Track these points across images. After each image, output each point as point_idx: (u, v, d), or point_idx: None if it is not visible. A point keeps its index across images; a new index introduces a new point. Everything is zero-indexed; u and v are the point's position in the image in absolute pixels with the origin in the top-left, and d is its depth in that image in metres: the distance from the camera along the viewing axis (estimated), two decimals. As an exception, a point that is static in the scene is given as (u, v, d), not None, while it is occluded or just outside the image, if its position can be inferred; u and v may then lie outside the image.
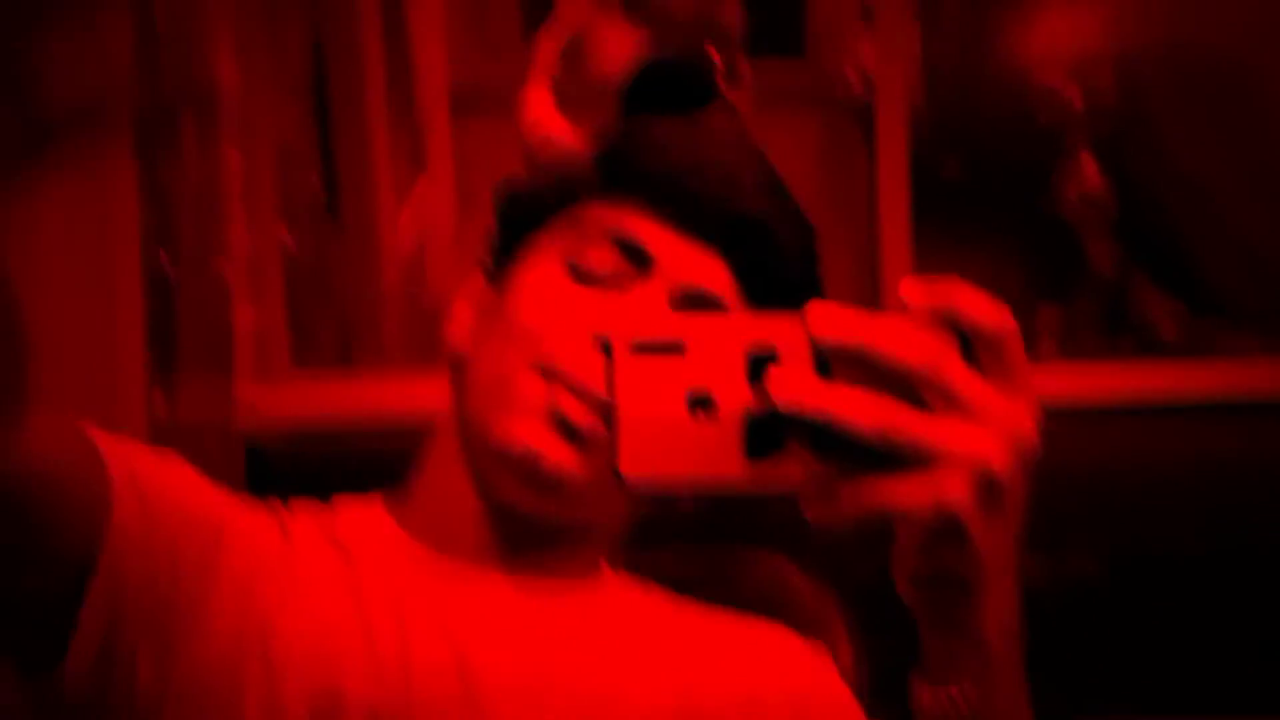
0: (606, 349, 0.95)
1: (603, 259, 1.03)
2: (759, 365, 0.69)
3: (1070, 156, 3.00)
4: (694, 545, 1.41)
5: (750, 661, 1.10)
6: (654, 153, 1.05)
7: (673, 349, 0.69)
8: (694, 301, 1.02)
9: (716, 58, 3.05)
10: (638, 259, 1.03)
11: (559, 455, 1.00)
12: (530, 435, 1.00)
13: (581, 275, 1.03)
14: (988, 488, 0.68)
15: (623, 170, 1.05)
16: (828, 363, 0.69)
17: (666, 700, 1.05)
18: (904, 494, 0.68)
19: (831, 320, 0.68)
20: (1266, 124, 2.93)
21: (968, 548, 0.70)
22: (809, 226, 1.11)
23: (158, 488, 0.98)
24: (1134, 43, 3.01)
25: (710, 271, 1.03)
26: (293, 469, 2.30)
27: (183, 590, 0.98)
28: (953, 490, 0.68)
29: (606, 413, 0.98)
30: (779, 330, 0.69)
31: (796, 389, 0.68)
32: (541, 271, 1.05)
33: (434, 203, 3.34)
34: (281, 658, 0.98)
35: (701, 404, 0.69)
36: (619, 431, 0.69)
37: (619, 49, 3.40)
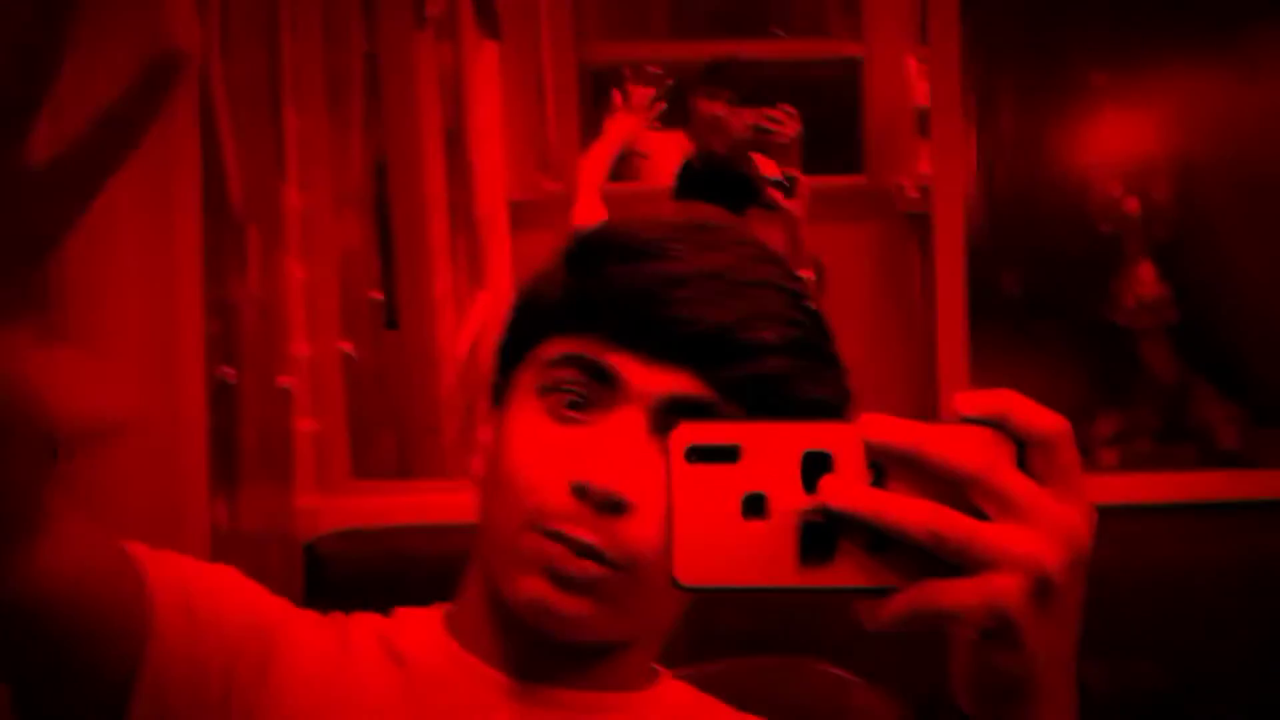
0: (627, 497, 0.97)
1: (573, 385, 1.01)
2: (813, 470, 0.69)
3: (1128, 263, 3.01)
4: (751, 659, 1.41)
5: None
6: (606, 280, 1.04)
7: (728, 454, 0.70)
8: (677, 410, 1.00)
9: (775, 169, 3.09)
10: (606, 381, 1.02)
11: (564, 605, 1.00)
12: (534, 589, 1.00)
13: (557, 410, 1.03)
14: (1042, 589, 0.68)
15: (581, 299, 1.05)
16: (882, 469, 0.70)
17: None
18: (957, 596, 0.68)
19: (885, 427, 0.69)
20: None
21: (1022, 650, 0.69)
22: (798, 312, 1.05)
23: (209, 603, 0.99)
24: (1191, 148, 3.02)
25: (684, 383, 1.00)
26: (352, 577, 2.31)
27: (235, 701, 0.99)
28: (1005, 592, 0.68)
29: (597, 558, 1.00)
30: (833, 436, 0.70)
31: (850, 494, 0.68)
32: (520, 414, 1.04)
33: (492, 314, 3.37)
34: None
35: (756, 509, 0.69)
36: (674, 538, 0.69)
37: (667, 159, 3.44)
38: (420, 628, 1.10)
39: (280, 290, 2.36)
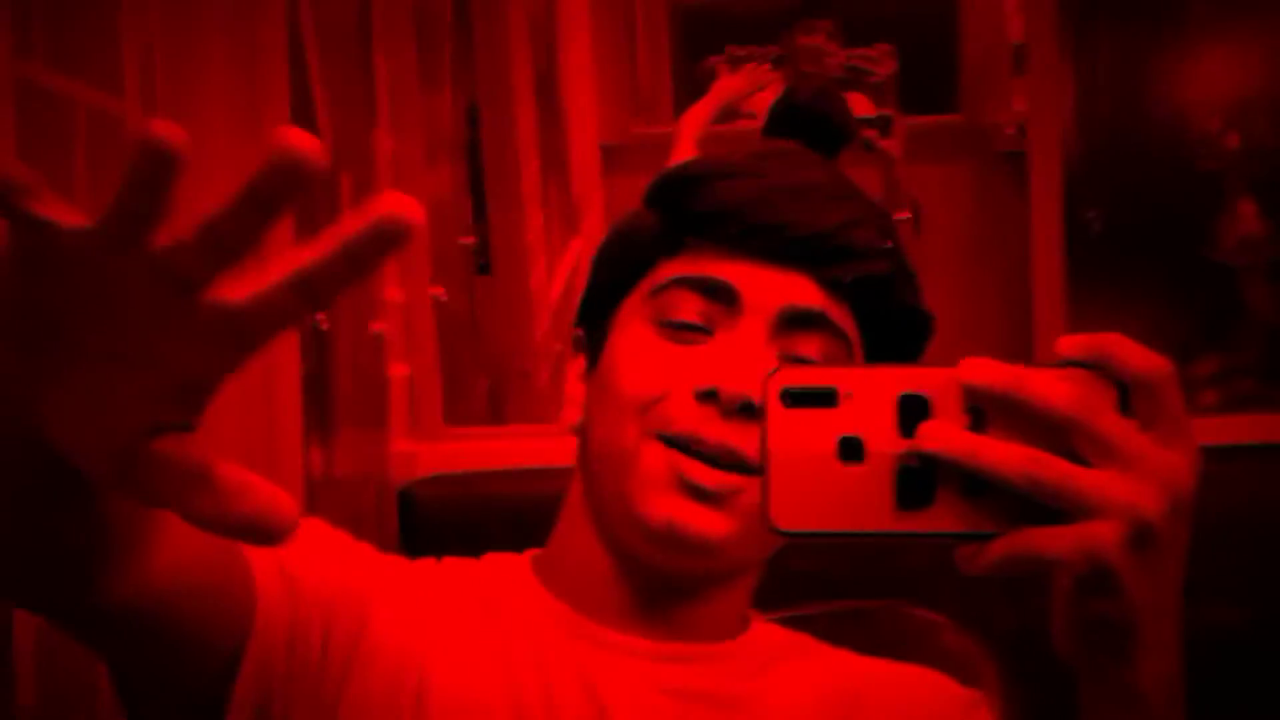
0: (759, 401, 0.95)
1: (688, 308, 1.02)
2: (911, 415, 0.69)
3: (1229, 200, 2.95)
4: (838, 602, 1.40)
5: (909, 708, 1.08)
6: (710, 194, 1.04)
7: (824, 398, 0.69)
8: (794, 320, 1.01)
9: (870, 107, 3.06)
10: (724, 297, 1.02)
11: (700, 521, 0.99)
12: (667, 507, 0.99)
13: (672, 331, 1.02)
14: (1141, 537, 0.67)
15: (685, 219, 1.05)
16: (982, 415, 0.69)
17: None
18: (1056, 544, 0.67)
19: (983, 370, 0.68)
20: None
21: (1122, 598, 0.68)
22: (889, 227, 1.07)
23: (303, 566, 0.99)
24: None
25: (800, 288, 1.02)
26: (446, 522, 2.33)
27: (334, 660, 0.99)
28: (1104, 539, 0.67)
29: (735, 464, 0.99)
30: (931, 380, 0.69)
31: (947, 438, 0.67)
32: (633, 337, 1.04)
33: (586, 259, 3.37)
34: (434, 714, 0.99)
35: (853, 453, 0.68)
36: (770, 481, 0.69)
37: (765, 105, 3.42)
38: (510, 574, 1.11)
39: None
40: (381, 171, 2.44)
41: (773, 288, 1.01)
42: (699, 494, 0.99)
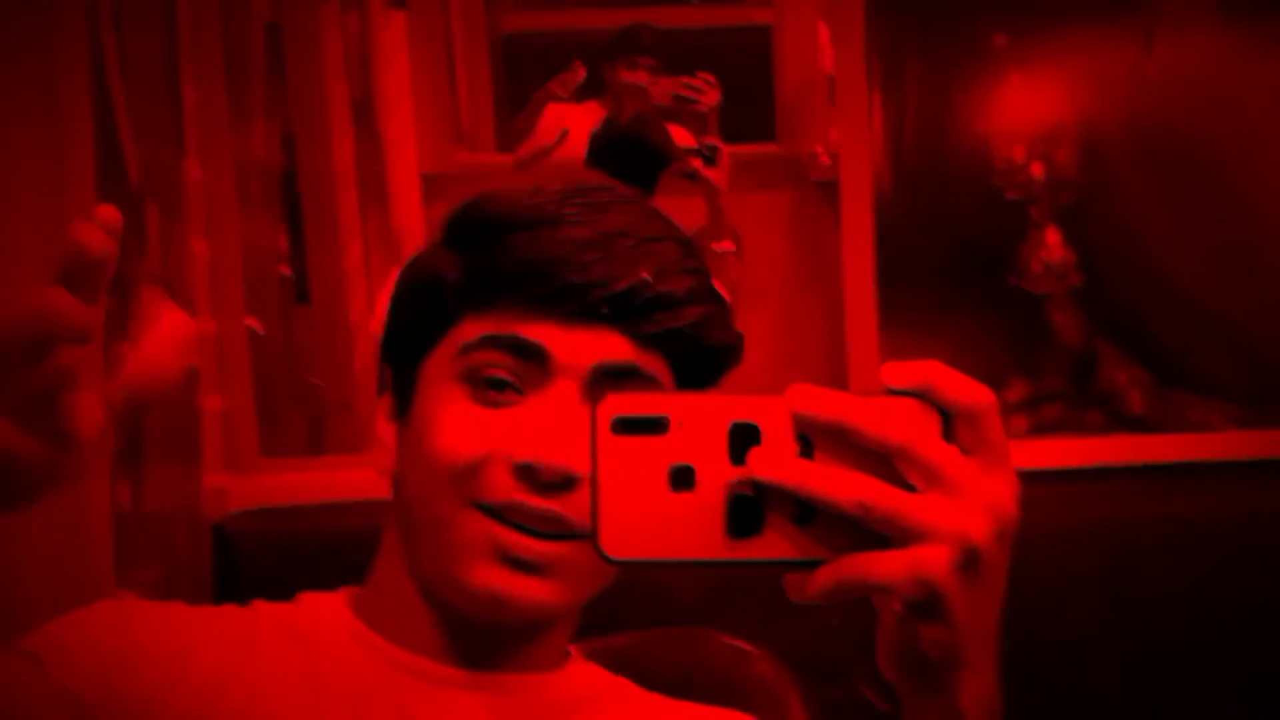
0: (577, 471, 0.96)
1: (499, 367, 1.01)
2: (741, 443, 0.69)
3: (1034, 228, 3.03)
4: (651, 631, 1.40)
5: None
6: (511, 249, 1.02)
7: (655, 426, 0.68)
8: (606, 376, 1.00)
9: (691, 138, 3.07)
10: (534, 358, 1.01)
11: (523, 590, 0.99)
12: (488, 578, 0.99)
13: (483, 393, 1.02)
14: (968, 560, 0.68)
15: (487, 276, 1.03)
16: (810, 442, 0.69)
17: None
18: (884, 568, 0.68)
19: (812, 399, 0.69)
20: (1226, 195, 2.96)
21: (948, 621, 0.69)
22: (697, 264, 1.06)
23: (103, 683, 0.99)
24: (1095, 115, 3.04)
25: (610, 345, 1.01)
26: (262, 556, 2.29)
27: None
28: (933, 563, 0.67)
29: (559, 533, 0.98)
30: (761, 408, 0.69)
31: (777, 466, 0.68)
32: (444, 398, 1.02)
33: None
34: None
35: (684, 481, 0.68)
36: (601, 510, 0.68)
37: (584, 132, 3.42)
38: (325, 612, 1.09)
39: (182, 267, 2.32)
40: (190, 201, 2.39)
41: (582, 347, 1.00)
42: (521, 565, 0.98)
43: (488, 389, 1.01)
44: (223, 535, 2.32)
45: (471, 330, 1.02)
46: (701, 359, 1.05)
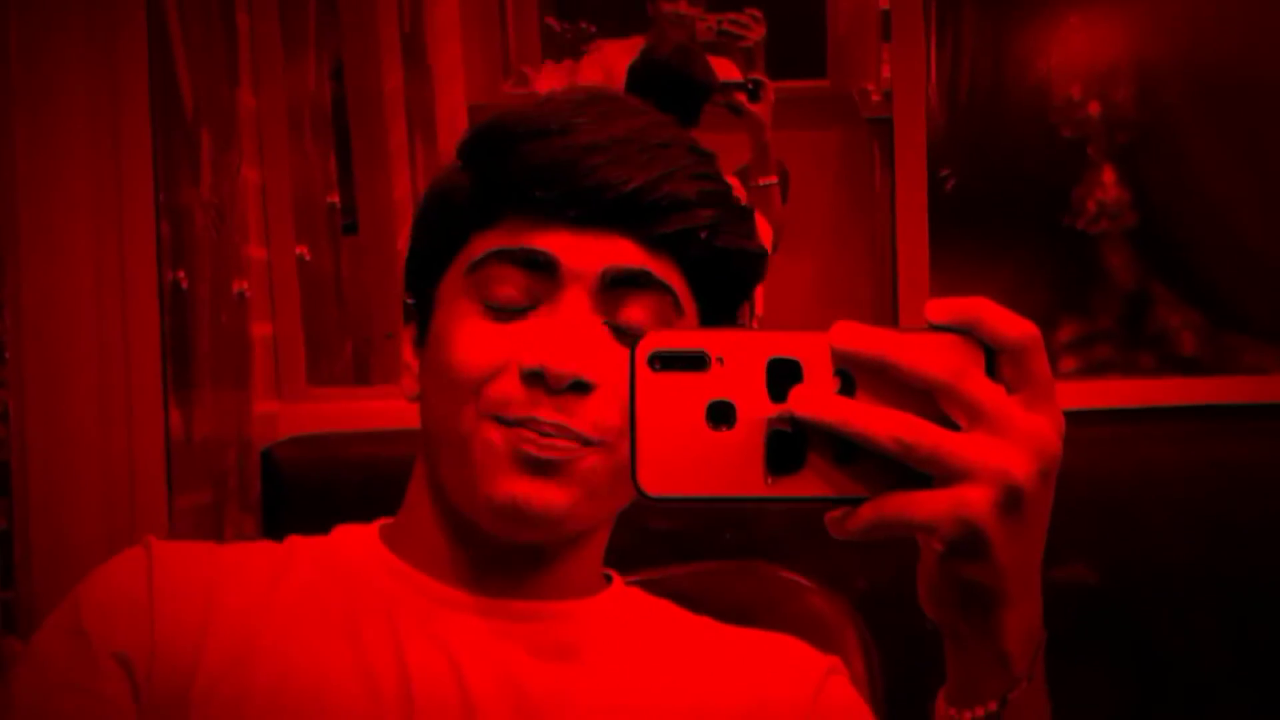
0: (587, 377, 0.96)
1: (509, 283, 1.01)
2: (781, 379, 0.68)
3: (1090, 168, 3.00)
4: (701, 563, 1.41)
5: (763, 675, 1.09)
6: (518, 158, 1.01)
7: (694, 362, 0.68)
8: (616, 282, 1.00)
9: (738, 73, 3.06)
10: (543, 269, 1.00)
11: (543, 495, 0.99)
12: (509, 485, 0.98)
13: (496, 310, 1.01)
14: (1010, 500, 0.67)
15: (496, 188, 1.02)
16: (852, 379, 0.69)
17: (676, 717, 1.04)
18: (926, 508, 0.67)
19: (854, 335, 0.68)
20: (1283, 135, 2.93)
21: (991, 560, 0.69)
22: (711, 169, 1.05)
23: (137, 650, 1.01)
24: (1154, 54, 3.01)
25: (620, 249, 1.00)
26: (309, 482, 2.31)
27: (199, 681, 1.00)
28: (975, 503, 0.67)
29: (568, 433, 0.98)
30: (801, 344, 0.68)
31: (819, 403, 0.67)
32: (458, 315, 1.02)
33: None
34: (287, 699, 0.99)
35: (723, 418, 0.68)
36: (639, 446, 0.68)
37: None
38: (358, 544, 1.09)
39: (234, 195, 2.33)
40: (243, 129, 2.39)
41: (592, 252, 1.00)
42: (537, 466, 0.98)
43: (500, 303, 1.01)
44: (271, 461, 2.34)
45: (480, 246, 1.02)
46: (717, 265, 1.04)
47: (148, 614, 1.01)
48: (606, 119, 1.02)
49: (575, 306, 1.00)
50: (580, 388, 0.98)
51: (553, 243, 1.00)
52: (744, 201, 1.09)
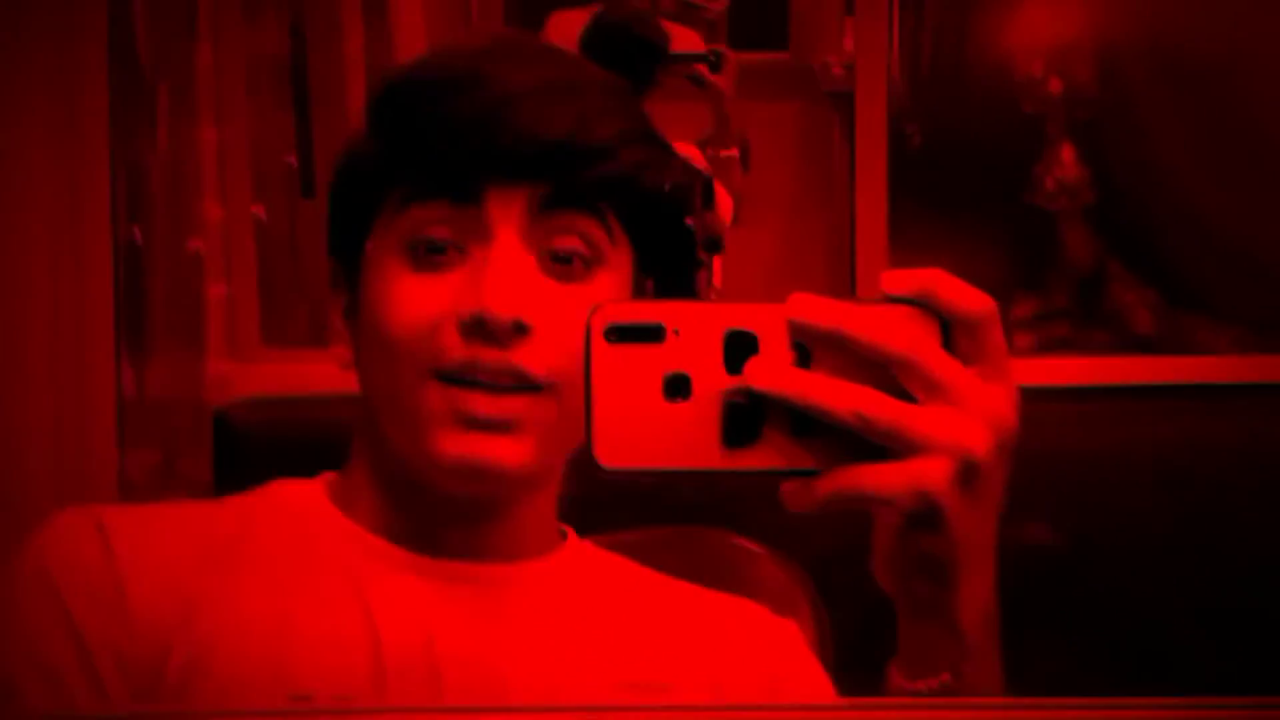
0: (528, 321, 0.95)
1: (435, 223, 0.99)
2: (737, 351, 0.68)
3: (1049, 145, 3.01)
4: (657, 529, 1.41)
5: (721, 638, 1.09)
6: (430, 118, 0.99)
7: (650, 334, 0.68)
8: (545, 206, 0.99)
9: (700, 43, 3.05)
10: (468, 198, 0.98)
11: (493, 451, 0.98)
12: (457, 445, 0.98)
13: (424, 257, 0.99)
14: (967, 473, 0.68)
15: (408, 151, 1.00)
16: (808, 352, 0.68)
17: (630, 678, 1.04)
18: (883, 480, 0.67)
19: (811, 307, 0.68)
20: (1244, 117, 2.94)
21: (947, 533, 0.69)
22: (628, 105, 1.05)
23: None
24: (1115, 32, 3.01)
25: (543, 193, 0.99)
26: (263, 443, 2.29)
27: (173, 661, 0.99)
28: (931, 475, 0.67)
29: (519, 385, 0.97)
30: (759, 317, 0.68)
31: (775, 375, 0.67)
32: (386, 273, 1.00)
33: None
34: (241, 654, 0.99)
35: (679, 390, 0.68)
36: (595, 418, 0.68)
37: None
38: (300, 499, 1.09)
39: (191, 152, 2.31)
40: (201, 85, 2.37)
41: (518, 195, 0.99)
42: (485, 426, 0.97)
43: (428, 253, 1.00)
44: (224, 421, 2.32)
45: (404, 199, 1.01)
46: (645, 204, 1.03)
47: (120, 598, 1.00)
48: (521, 65, 1.01)
49: (507, 245, 0.98)
50: (519, 329, 0.96)
51: (478, 188, 0.99)
52: (705, 170, 1.08)
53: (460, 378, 0.97)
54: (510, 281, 0.97)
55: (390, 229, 1.01)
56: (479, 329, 0.96)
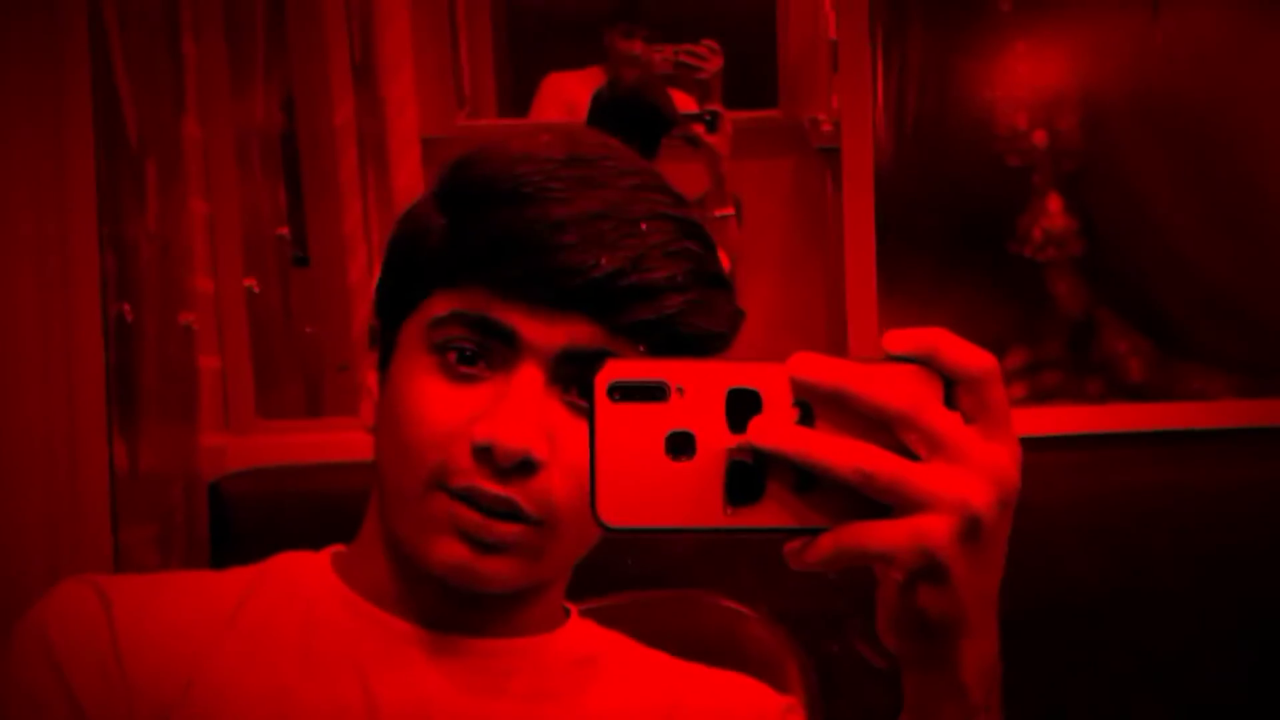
0: (536, 455, 0.95)
1: (466, 345, 0.99)
2: (741, 410, 0.68)
3: (1036, 196, 3.02)
4: (647, 592, 1.41)
5: (721, 716, 1.09)
6: (487, 227, 0.99)
7: (653, 392, 0.68)
8: (573, 360, 0.98)
9: (693, 104, 3.07)
10: (501, 338, 0.99)
11: (483, 566, 0.99)
12: (451, 554, 0.98)
13: (451, 369, 0.99)
14: (970, 530, 0.67)
15: (464, 252, 1.00)
16: (811, 409, 0.68)
17: None
18: (885, 537, 0.67)
19: (813, 365, 0.68)
20: (1229, 165, 2.96)
21: (950, 589, 0.69)
22: (687, 246, 1.02)
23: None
24: (1099, 83, 3.03)
25: (581, 330, 0.98)
26: (258, 516, 2.29)
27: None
28: (935, 532, 0.67)
29: (513, 517, 0.97)
30: (761, 375, 0.68)
31: (778, 433, 0.67)
32: (415, 369, 1.01)
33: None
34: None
35: (682, 448, 0.68)
36: (598, 477, 0.67)
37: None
38: (305, 572, 1.08)
39: (181, 226, 2.31)
40: (189, 160, 2.38)
41: (552, 330, 0.98)
42: (480, 545, 0.98)
43: (456, 362, 0.99)
44: (219, 495, 2.32)
45: (443, 304, 1.00)
46: (682, 347, 1.01)
47: (120, 669, 1.00)
48: (584, 186, 1.00)
49: (529, 380, 0.98)
50: (527, 467, 0.97)
51: (513, 317, 0.98)
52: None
53: (463, 497, 0.97)
54: (527, 413, 0.97)
55: (424, 327, 1.01)
56: (487, 456, 0.97)
